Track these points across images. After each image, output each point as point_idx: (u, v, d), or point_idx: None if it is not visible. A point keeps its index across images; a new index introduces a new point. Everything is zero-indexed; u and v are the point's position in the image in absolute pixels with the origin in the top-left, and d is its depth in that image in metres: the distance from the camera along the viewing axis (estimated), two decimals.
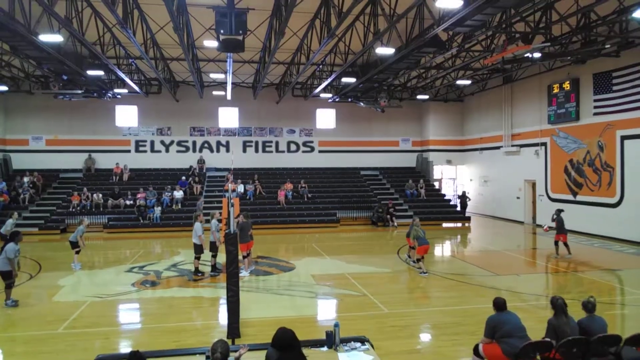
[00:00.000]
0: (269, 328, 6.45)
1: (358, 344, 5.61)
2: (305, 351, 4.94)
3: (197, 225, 12.95)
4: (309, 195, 25.57)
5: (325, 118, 29.39)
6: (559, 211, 15.45)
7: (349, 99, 25.52)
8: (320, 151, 29.32)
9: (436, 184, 30.03)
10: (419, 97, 26.81)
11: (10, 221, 15.60)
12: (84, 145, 26.79)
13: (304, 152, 29.22)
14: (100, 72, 19.32)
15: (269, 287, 11.83)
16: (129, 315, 10.16)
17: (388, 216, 23.71)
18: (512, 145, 24.75)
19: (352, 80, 20.81)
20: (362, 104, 25.37)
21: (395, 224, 23.34)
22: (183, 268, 14.01)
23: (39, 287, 11.85)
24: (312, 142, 29.33)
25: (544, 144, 22.37)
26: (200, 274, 12.82)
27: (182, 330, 8.60)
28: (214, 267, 13.23)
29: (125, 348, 7.80)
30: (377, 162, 29.65)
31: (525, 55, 15.99)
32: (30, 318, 9.43)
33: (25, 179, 24.51)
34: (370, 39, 14.63)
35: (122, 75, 19.67)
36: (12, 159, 26.28)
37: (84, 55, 18.48)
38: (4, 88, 22.95)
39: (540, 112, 22.54)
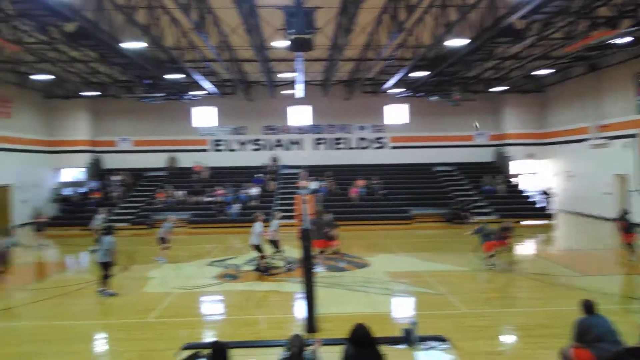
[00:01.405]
0: (345, 324, 6.48)
1: (436, 343, 5.53)
2: (382, 348, 4.93)
3: (257, 225, 13.23)
4: (382, 191, 25.40)
5: (396, 113, 28.98)
6: (625, 212, 14.48)
7: (421, 94, 25.01)
8: (392, 147, 29.03)
9: (516, 180, 28.70)
10: (494, 89, 25.76)
11: (100, 216, 16.86)
12: (166, 145, 28.34)
13: (375, 148, 29.07)
14: (179, 76, 20.32)
15: (344, 283, 11.89)
16: (211, 306, 10.65)
17: (465, 213, 23.00)
18: (600, 138, 23.11)
19: (423, 74, 20.39)
20: (434, 98, 24.79)
21: (473, 220, 22.58)
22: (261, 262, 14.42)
23: (131, 279, 12.68)
24: (383, 138, 29.10)
25: (636, 136, 20.70)
26: (265, 272, 12.83)
27: (261, 323, 8.88)
28: (284, 262, 13.58)
29: (209, 338, 8.18)
30: (452, 158, 28.82)
31: (612, 41, 14.86)
32: (123, 307, 10.16)
33: (115, 178, 26.39)
34: (441, 32, 14.26)
35: (199, 78, 20.54)
36: (104, 159, 28.38)
37: (163, 60, 19.52)
38: (95, 93, 24.77)
39: (631, 101, 20.86)
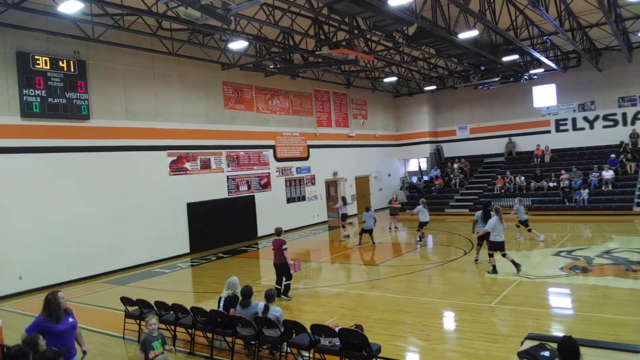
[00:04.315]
0: None
1: None
2: None
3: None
4: None
5: None
6: None
7: None
8: None
9: None
10: None
11: (420, 207, 17.34)
12: (504, 130, 27.76)
13: None
14: (515, 56, 19.50)
15: None
16: (558, 299, 9.93)
17: None
18: None
19: None
20: None
21: None
22: (619, 256, 12.55)
23: (470, 262, 13.02)
24: None
25: None
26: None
27: (621, 324, 7.75)
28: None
29: (556, 331, 7.68)
30: None
31: None
32: (467, 289, 10.58)
33: (455, 165, 27.61)
34: None
35: (537, 55, 19.28)
36: (444, 148, 30.05)
37: (498, 43, 19.10)
38: (433, 87, 26.46)
39: None
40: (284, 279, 10.73)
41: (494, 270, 11.47)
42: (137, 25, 13.83)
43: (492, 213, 11.97)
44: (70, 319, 5.50)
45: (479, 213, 13.03)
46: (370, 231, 16.52)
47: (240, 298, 7.60)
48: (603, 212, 20.17)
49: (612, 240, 14.78)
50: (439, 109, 30.18)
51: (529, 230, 15.59)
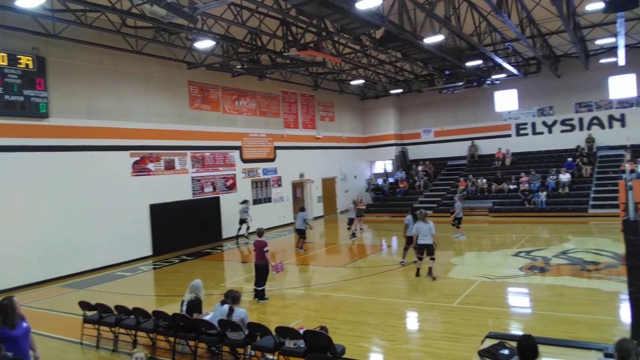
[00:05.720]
0: None
1: None
2: None
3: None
4: None
5: None
6: None
7: None
8: None
9: None
10: None
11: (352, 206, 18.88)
12: (467, 134, 28.39)
13: None
14: (479, 62, 19.97)
15: None
16: (517, 298, 10.22)
17: None
18: None
19: None
20: None
21: None
22: (574, 256, 13.03)
23: (436, 264, 13.25)
24: None
25: None
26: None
27: (576, 322, 8.05)
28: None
29: (515, 330, 7.90)
30: None
31: None
32: (429, 290, 10.77)
33: (419, 168, 28.06)
34: None
35: (499, 61, 19.79)
36: (409, 151, 30.48)
37: (462, 48, 19.49)
38: (399, 90, 26.81)
39: None
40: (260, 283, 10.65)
41: (429, 272, 11.64)
42: (100, 22, 13.46)
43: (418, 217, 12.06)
44: (25, 324, 5.31)
45: (409, 217, 13.06)
46: (299, 232, 16.67)
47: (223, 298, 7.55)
48: (560, 213, 20.88)
49: (569, 241, 15.31)
50: (404, 112, 30.61)
51: (458, 227, 17.37)
